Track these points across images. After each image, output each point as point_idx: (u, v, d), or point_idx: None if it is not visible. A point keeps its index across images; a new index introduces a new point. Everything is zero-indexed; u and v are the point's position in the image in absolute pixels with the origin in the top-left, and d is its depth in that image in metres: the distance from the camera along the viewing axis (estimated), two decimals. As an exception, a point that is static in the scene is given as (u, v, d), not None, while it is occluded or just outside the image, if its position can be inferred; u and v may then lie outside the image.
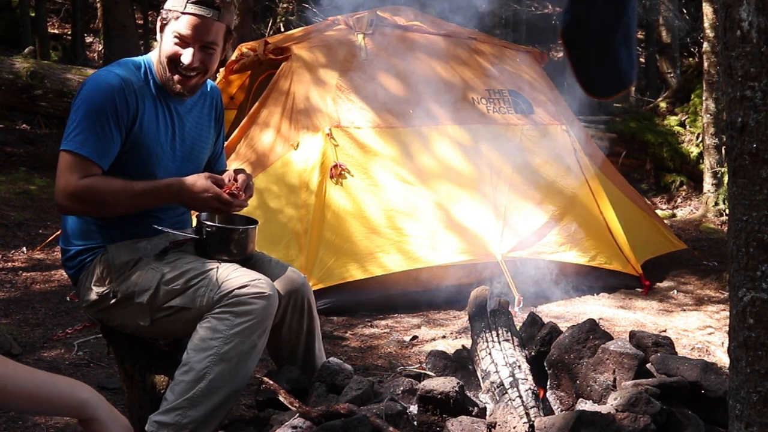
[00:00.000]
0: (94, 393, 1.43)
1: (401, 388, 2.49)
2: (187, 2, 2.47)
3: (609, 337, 2.55)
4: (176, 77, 2.53)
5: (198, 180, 2.46)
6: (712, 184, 7.49)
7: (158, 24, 2.57)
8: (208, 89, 2.77)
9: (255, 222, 2.68)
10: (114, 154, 2.47)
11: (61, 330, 4.12)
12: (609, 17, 2.30)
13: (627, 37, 2.33)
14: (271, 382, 2.41)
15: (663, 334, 2.98)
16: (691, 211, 8.01)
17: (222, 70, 5.92)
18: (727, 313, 1.62)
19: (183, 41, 2.50)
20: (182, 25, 2.49)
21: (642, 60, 15.68)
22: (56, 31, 14.83)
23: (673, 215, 7.95)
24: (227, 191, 2.46)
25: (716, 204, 7.45)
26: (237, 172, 2.65)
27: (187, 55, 2.50)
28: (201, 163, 2.74)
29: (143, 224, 2.54)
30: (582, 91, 2.44)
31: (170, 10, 2.51)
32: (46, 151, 8.54)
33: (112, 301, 2.51)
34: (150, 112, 2.53)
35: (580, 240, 5.15)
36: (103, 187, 2.42)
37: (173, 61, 2.52)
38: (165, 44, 2.53)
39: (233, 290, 2.36)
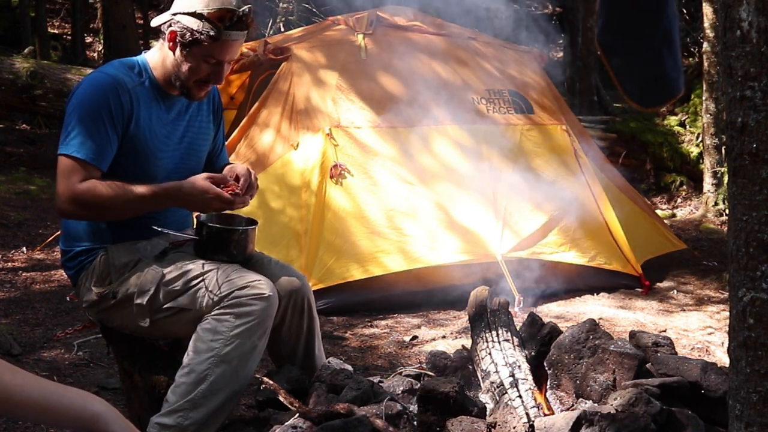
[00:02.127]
0: (108, 406, 1.38)
1: (401, 388, 2.49)
2: (222, 28, 2.43)
3: (609, 337, 2.55)
4: (199, 91, 2.55)
5: (197, 181, 2.45)
6: (712, 184, 7.49)
7: (171, 36, 2.48)
8: None
9: (255, 222, 2.68)
10: (111, 154, 2.46)
11: (61, 330, 4.11)
12: (646, 22, 2.23)
13: (670, 43, 2.27)
14: (271, 382, 2.41)
15: (663, 334, 2.98)
16: (691, 211, 8.01)
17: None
18: (727, 313, 1.62)
19: (217, 63, 2.50)
20: (219, 50, 2.47)
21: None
22: (56, 31, 14.80)
23: (673, 215, 7.95)
24: (229, 191, 2.46)
25: (716, 204, 7.44)
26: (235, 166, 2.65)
27: (220, 76, 2.53)
28: (201, 159, 2.74)
29: (143, 225, 2.53)
30: (627, 100, 2.38)
31: (195, 31, 2.43)
32: (46, 151, 8.53)
33: (112, 301, 2.51)
34: (145, 111, 2.51)
35: (579, 240, 5.15)
36: (102, 191, 2.40)
37: (202, 80, 2.52)
38: (192, 64, 2.49)
39: (233, 291, 2.36)
